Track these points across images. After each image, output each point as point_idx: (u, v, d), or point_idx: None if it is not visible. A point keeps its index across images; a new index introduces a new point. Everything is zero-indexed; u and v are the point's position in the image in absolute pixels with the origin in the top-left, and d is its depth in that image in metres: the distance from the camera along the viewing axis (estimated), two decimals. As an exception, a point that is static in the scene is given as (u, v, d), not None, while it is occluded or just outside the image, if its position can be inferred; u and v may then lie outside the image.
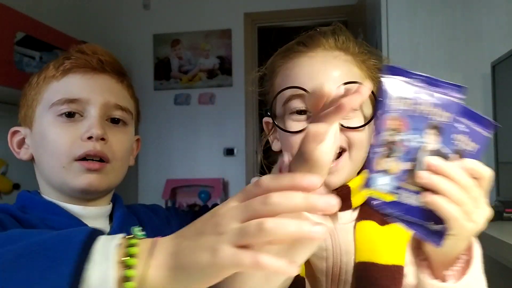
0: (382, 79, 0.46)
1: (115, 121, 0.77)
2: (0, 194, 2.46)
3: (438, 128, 0.46)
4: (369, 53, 0.73)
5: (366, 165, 0.46)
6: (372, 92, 0.67)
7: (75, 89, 0.73)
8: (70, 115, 0.72)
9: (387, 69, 0.46)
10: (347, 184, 0.68)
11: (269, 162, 0.78)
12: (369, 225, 0.67)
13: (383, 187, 0.45)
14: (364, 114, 0.68)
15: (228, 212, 0.38)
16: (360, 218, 0.69)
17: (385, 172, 0.45)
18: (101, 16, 3.61)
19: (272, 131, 0.76)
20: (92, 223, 0.74)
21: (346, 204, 0.69)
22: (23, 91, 0.79)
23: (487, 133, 0.47)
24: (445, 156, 0.46)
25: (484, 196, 0.47)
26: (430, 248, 0.53)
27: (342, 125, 0.64)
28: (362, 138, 0.67)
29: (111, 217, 0.80)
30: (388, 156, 0.45)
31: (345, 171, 0.67)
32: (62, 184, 0.73)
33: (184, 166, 3.55)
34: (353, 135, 0.66)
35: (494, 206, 1.65)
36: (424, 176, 0.45)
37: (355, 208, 0.71)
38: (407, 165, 0.45)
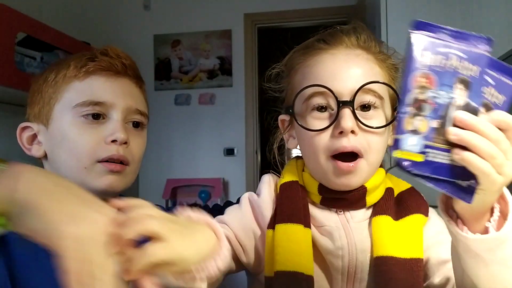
0: (410, 35, 0.45)
1: (134, 124, 0.78)
2: (1, 194, 2.46)
3: (467, 82, 0.46)
4: (388, 52, 0.73)
5: (396, 126, 0.46)
6: (394, 90, 0.67)
7: (99, 91, 0.74)
8: (95, 116, 0.73)
9: (415, 24, 0.46)
10: (364, 184, 0.68)
11: (282, 158, 0.79)
12: (385, 220, 0.68)
13: (412, 147, 0.45)
14: (385, 115, 0.67)
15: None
16: (374, 214, 0.69)
17: (414, 132, 0.45)
18: (101, 16, 3.61)
19: (288, 129, 0.75)
20: None
21: (360, 204, 0.70)
22: (35, 86, 0.78)
23: None
24: (474, 111, 0.45)
25: None
26: (460, 206, 0.51)
27: (362, 123, 0.64)
28: (379, 142, 0.66)
29: None
30: (417, 115, 0.45)
31: (363, 173, 0.66)
32: (80, 185, 0.73)
33: (184, 166, 3.55)
34: (372, 139, 0.65)
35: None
36: (453, 132, 0.45)
37: (369, 207, 0.71)
38: (435, 123, 0.45)
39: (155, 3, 3.64)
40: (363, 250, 0.67)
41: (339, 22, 0.76)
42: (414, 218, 0.68)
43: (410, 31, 0.45)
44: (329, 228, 0.68)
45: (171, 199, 3.40)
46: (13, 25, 2.07)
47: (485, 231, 0.51)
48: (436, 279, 0.65)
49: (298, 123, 0.68)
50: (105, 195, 0.75)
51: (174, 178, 3.48)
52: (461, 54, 0.46)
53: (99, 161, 0.72)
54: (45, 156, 0.77)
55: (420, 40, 0.45)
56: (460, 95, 0.45)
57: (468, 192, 0.46)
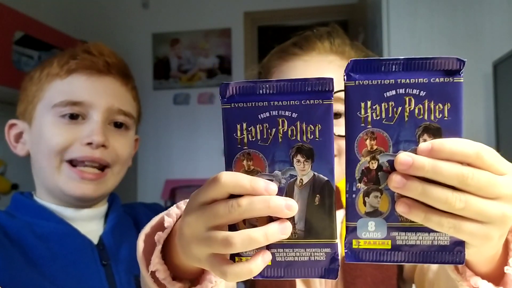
0: (345, 87, 0.36)
1: (117, 125, 0.75)
2: (-1, 194, 2.45)
3: (437, 130, 0.34)
4: (366, 57, 0.73)
5: (347, 210, 0.36)
6: None
7: (79, 91, 0.72)
8: (72, 116, 0.71)
9: (348, 70, 0.35)
10: (336, 185, 0.67)
11: None
12: None
13: (374, 234, 0.35)
14: None
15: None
16: None
17: (372, 213, 0.35)
18: (100, 15, 3.59)
19: None
20: (84, 226, 0.73)
21: (337, 205, 0.69)
22: (23, 84, 0.77)
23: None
24: None
25: (492, 167, 0.33)
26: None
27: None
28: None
29: (107, 215, 0.79)
30: (372, 190, 0.35)
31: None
32: (54, 187, 0.72)
33: (183, 166, 3.54)
34: (342, 143, 0.64)
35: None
36: (396, 181, 0.33)
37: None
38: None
39: (153, 1, 3.62)
40: (340, 253, 0.66)
41: (340, 21, 0.75)
42: None
43: (346, 82, 0.35)
44: None
45: (170, 199, 3.38)
46: (11, 24, 2.06)
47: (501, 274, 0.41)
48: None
49: None
50: (81, 201, 0.73)
51: (173, 178, 3.46)
52: (419, 92, 0.33)
53: (68, 161, 0.70)
54: (29, 155, 0.76)
55: (355, 90, 0.35)
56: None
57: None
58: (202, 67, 3.58)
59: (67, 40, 2.42)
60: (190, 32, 3.58)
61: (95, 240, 0.73)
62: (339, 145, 0.64)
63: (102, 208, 0.78)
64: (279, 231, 0.34)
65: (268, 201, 0.34)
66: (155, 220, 0.46)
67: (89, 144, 0.70)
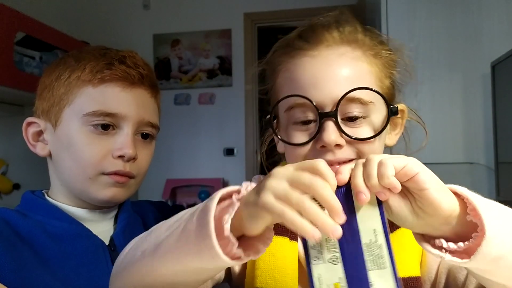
0: None
1: (143, 135, 0.76)
2: (0, 194, 2.46)
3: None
4: (381, 43, 0.64)
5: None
6: (381, 95, 0.58)
7: (113, 102, 0.72)
8: (104, 127, 0.71)
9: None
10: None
11: (269, 162, 0.74)
12: None
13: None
14: (373, 122, 0.59)
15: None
16: None
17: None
18: (101, 16, 3.60)
19: (277, 130, 0.67)
20: (95, 226, 0.74)
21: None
22: (45, 80, 0.75)
23: None
24: None
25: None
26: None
27: (350, 137, 0.57)
28: (373, 148, 0.58)
29: (117, 216, 0.80)
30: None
31: None
32: (82, 192, 0.73)
33: (184, 166, 3.55)
34: (363, 148, 0.58)
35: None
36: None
37: None
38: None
39: (154, 2, 3.63)
40: None
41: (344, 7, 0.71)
42: (406, 231, 0.60)
43: None
44: None
45: (171, 199, 3.39)
46: (12, 25, 2.07)
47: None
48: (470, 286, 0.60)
49: (277, 136, 0.63)
50: (107, 204, 0.75)
51: (173, 178, 3.47)
52: None
53: (104, 173, 0.71)
54: (50, 154, 0.75)
55: None
56: None
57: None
58: (203, 67, 3.59)
59: (68, 41, 2.43)
60: (190, 33, 3.59)
61: (106, 240, 0.73)
62: (359, 150, 0.58)
63: (112, 209, 0.78)
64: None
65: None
66: (223, 191, 0.49)
67: (121, 156, 0.71)
